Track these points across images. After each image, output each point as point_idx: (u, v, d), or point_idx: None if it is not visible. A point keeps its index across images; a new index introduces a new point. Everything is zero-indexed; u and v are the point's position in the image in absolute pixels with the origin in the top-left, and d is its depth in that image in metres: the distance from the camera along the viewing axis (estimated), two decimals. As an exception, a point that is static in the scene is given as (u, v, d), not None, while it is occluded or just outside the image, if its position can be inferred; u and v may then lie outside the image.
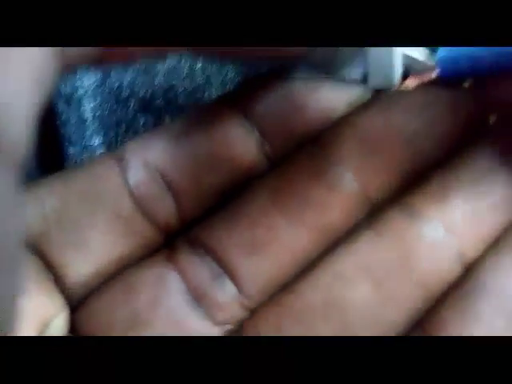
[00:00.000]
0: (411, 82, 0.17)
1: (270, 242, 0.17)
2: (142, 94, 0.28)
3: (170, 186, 0.18)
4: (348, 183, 0.17)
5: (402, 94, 0.17)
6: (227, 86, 0.28)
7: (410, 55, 0.17)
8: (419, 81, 0.17)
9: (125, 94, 0.28)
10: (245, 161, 0.18)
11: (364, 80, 0.17)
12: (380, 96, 0.17)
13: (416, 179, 0.17)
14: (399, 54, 0.17)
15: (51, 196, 0.17)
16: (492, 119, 0.17)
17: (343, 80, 0.18)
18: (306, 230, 0.17)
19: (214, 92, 0.28)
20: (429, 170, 0.17)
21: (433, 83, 0.17)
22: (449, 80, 0.16)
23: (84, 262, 0.17)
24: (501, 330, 0.14)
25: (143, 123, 0.28)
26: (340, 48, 0.17)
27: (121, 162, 0.18)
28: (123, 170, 0.18)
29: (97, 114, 0.28)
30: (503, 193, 0.16)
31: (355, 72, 0.18)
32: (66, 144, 0.28)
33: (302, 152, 0.18)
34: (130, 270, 0.17)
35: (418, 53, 0.17)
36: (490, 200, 0.16)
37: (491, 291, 0.15)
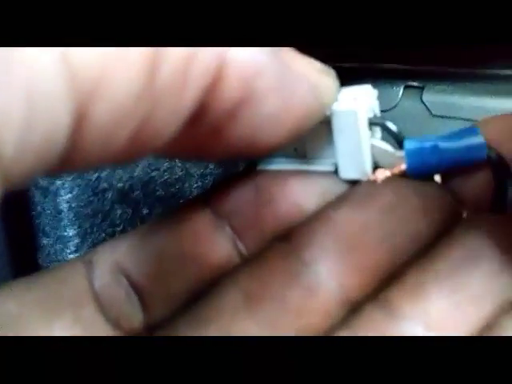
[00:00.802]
0: (380, 174, 0.17)
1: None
2: (120, 185, 0.27)
3: (136, 289, 0.17)
4: (325, 285, 0.16)
5: (376, 190, 0.17)
6: (207, 178, 0.29)
7: (378, 146, 0.17)
8: (389, 173, 0.17)
9: (102, 185, 0.27)
10: (215, 259, 0.17)
11: (335, 171, 0.17)
12: (353, 192, 0.17)
13: (393, 274, 0.16)
14: (368, 146, 0.17)
15: (9, 301, 0.17)
16: (464, 211, 0.17)
17: (315, 172, 0.18)
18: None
19: (193, 183, 0.29)
20: (405, 264, 0.16)
21: (402, 176, 0.17)
22: (417, 172, 0.16)
23: None
24: None
25: (120, 214, 0.28)
26: (309, 139, 0.17)
27: (87, 264, 0.17)
28: (89, 273, 0.17)
29: (73, 205, 0.27)
30: (483, 283, 0.15)
31: (326, 163, 0.17)
32: (40, 235, 0.27)
33: (273, 250, 0.17)
34: None
35: (387, 144, 0.17)
36: (469, 292, 0.15)
37: None
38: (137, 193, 0.28)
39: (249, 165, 0.19)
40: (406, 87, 0.29)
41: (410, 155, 0.16)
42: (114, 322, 0.17)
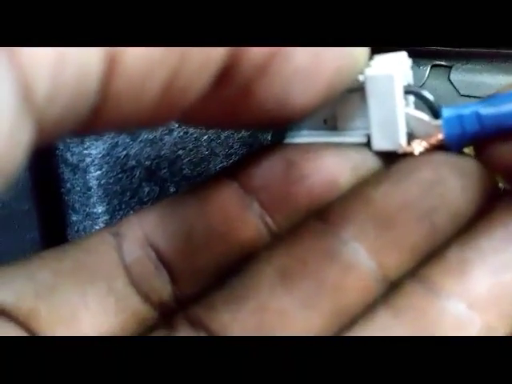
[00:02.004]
0: (417, 145, 0.16)
1: (281, 328, 0.15)
2: (147, 163, 0.28)
3: (165, 263, 0.17)
4: (364, 263, 0.16)
5: (415, 167, 0.16)
6: (232, 158, 0.29)
7: (414, 116, 0.16)
8: (425, 144, 0.16)
9: (131, 163, 0.27)
10: (244, 235, 0.17)
11: (367, 143, 0.17)
12: (392, 169, 0.17)
13: (433, 252, 0.16)
14: (402, 114, 0.16)
15: (43, 271, 0.17)
16: (502, 184, 0.16)
17: (346, 144, 0.17)
18: (319, 314, 0.15)
19: (218, 163, 0.29)
20: (447, 243, 0.16)
21: (439, 146, 0.16)
22: (456, 142, 0.16)
23: None
24: None
25: (148, 192, 0.28)
26: (340, 110, 0.17)
27: (117, 237, 0.17)
28: (119, 246, 0.17)
29: (102, 182, 0.27)
30: None
31: (358, 135, 0.17)
32: (69, 211, 0.27)
33: (309, 227, 0.16)
34: None
35: (422, 113, 0.16)
36: None
37: None
38: (164, 171, 0.28)
39: (276, 139, 0.18)
40: (433, 66, 0.28)
41: (448, 124, 0.16)
42: (144, 294, 0.17)
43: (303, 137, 0.17)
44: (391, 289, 0.16)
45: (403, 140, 0.16)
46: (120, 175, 0.27)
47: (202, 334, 0.16)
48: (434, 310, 0.15)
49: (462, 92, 0.28)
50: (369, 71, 0.16)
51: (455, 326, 0.15)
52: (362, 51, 0.15)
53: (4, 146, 0.09)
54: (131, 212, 0.28)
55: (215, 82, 0.12)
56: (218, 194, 0.17)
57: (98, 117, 0.11)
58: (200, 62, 0.12)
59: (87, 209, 0.27)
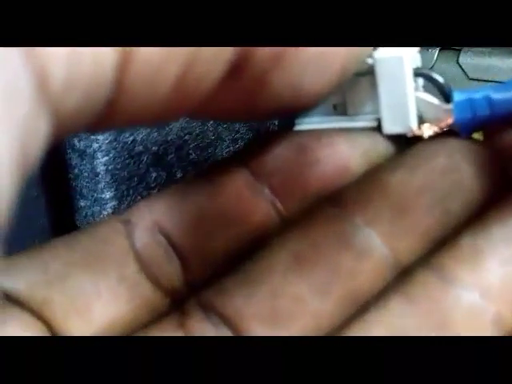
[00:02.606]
0: (426, 129, 0.16)
1: (295, 314, 0.15)
2: (154, 149, 0.28)
3: (176, 249, 0.17)
4: (378, 248, 0.16)
5: (430, 153, 0.16)
6: (238, 143, 0.29)
7: (424, 99, 0.16)
8: (435, 127, 0.16)
9: (138, 148, 0.27)
10: (255, 221, 0.17)
11: (378, 127, 0.17)
12: (406, 154, 0.17)
13: (446, 239, 0.16)
14: (413, 97, 0.16)
15: (55, 260, 0.17)
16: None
17: (356, 128, 0.17)
18: (332, 298, 0.16)
19: (225, 148, 0.29)
20: (459, 230, 0.16)
21: (449, 131, 0.16)
22: (466, 126, 0.16)
23: (87, 329, 0.16)
24: None
25: (155, 178, 0.28)
26: (349, 94, 0.17)
27: (127, 224, 0.17)
28: (129, 233, 0.17)
29: (109, 168, 0.27)
30: None
31: (368, 119, 0.17)
32: (77, 197, 0.27)
33: (322, 212, 0.16)
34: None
35: (432, 97, 0.16)
36: None
37: None
38: (171, 156, 0.28)
39: (283, 123, 0.18)
40: (442, 49, 0.28)
41: (459, 108, 0.15)
42: (155, 281, 0.17)
43: (313, 123, 0.17)
44: (404, 275, 0.16)
45: (414, 123, 0.16)
46: (127, 161, 0.27)
47: (214, 319, 0.16)
48: (448, 299, 0.15)
49: (470, 75, 0.28)
50: (378, 53, 0.16)
51: (468, 315, 0.15)
52: None
53: (22, 138, 0.09)
54: (139, 197, 0.28)
55: (229, 74, 0.12)
56: (229, 180, 0.17)
57: (113, 110, 0.11)
58: (213, 54, 0.12)
59: (95, 194, 0.27)
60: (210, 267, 0.17)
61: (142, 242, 0.17)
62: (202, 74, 0.12)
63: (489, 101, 0.15)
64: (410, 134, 0.16)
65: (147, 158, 0.28)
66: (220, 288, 0.16)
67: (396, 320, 0.15)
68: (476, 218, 0.16)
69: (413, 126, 0.16)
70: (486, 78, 0.27)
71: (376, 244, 0.16)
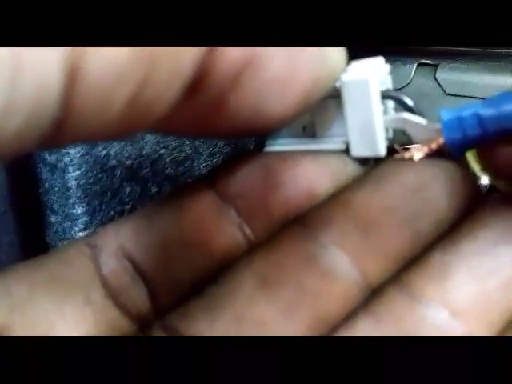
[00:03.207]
0: (416, 151, 0.16)
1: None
2: (128, 163, 0.27)
3: (142, 274, 0.17)
4: (345, 268, 0.15)
5: (397, 172, 0.16)
6: (216, 157, 0.29)
7: (411, 120, 0.16)
8: (426, 149, 0.16)
9: (111, 162, 0.27)
10: (220, 244, 0.17)
11: (346, 150, 0.17)
12: (372, 173, 0.16)
13: (415, 257, 0.15)
14: (380, 119, 0.16)
15: (19, 284, 0.16)
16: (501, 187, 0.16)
17: (325, 151, 0.17)
18: (299, 322, 0.15)
19: (202, 163, 0.28)
20: (428, 247, 0.15)
21: (439, 151, 0.16)
22: (457, 146, 0.15)
23: None
24: None
25: (129, 192, 0.27)
26: (318, 117, 0.17)
27: (93, 248, 0.17)
28: (95, 258, 0.17)
29: (81, 183, 0.26)
30: None
31: (337, 142, 0.17)
32: (48, 212, 0.26)
33: (289, 233, 0.16)
34: None
35: (420, 118, 0.16)
36: (498, 277, 0.14)
37: None
38: (146, 171, 0.27)
39: (256, 147, 0.18)
40: (420, 65, 0.28)
41: (448, 127, 0.15)
42: (121, 306, 0.17)
43: (283, 145, 0.17)
44: (373, 294, 0.15)
45: (382, 146, 0.16)
46: (100, 175, 0.27)
47: None
48: (413, 317, 0.14)
49: (447, 91, 0.28)
50: (345, 77, 0.16)
51: (435, 333, 0.14)
52: (339, 59, 0.14)
53: None
54: (112, 213, 0.27)
55: (187, 93, 0.12)
56: (194, 203, 0.17)
57: (61, 130, 0.11)
58: (169, 73, 0.11)
59: (66, 209, 0.26)
60: (176, 292, 0.17)
61: (108, 266, 0.17)
62: (157, 95, 0.11)
63: (478, 118, 0.15)
64: (397, 157, 0.16)
65: (121, 172, 0.27)
66: (184, 312, 0.16)
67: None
68: (446, 234, 0.15)
69: (381, 150, 0.16)
70: (463, 94, 0.27)
71: (342, 264, 0.15)
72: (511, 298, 0.14)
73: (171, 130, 0.14)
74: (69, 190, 0.26)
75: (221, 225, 0.17)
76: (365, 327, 0.15)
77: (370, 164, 0.17)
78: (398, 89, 0.28)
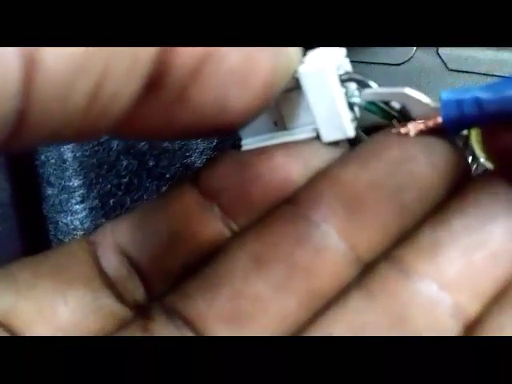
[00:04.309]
0: (413, 127, 0.16)
1: (256, 314, 0.16)
2: (126, 135, 0.27)
3: (136, 268, 0.18)
4: (335, 244, 0.16)
5: (382, 147, 0.16)
6: (211, 132, 0.28)
7: (412, 96, 0.16)
8: (422, 126, 0.16)
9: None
10: (207, 237, 0.17)
11: (318, 137, 0.17)
12: (359, 149, 0.17)
13: (405, 233, 0.16)
14: (343, 102, 0.17)
15: (23, 271, 0.17)
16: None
17: (298, 141, 0.17)
18: (293, 297, 0.16)
19: (199, 138, 0.28)
20: (418, 222, 0.16)
21: (435, 130, 0.16)
22: (454, 126, 0.15)
23: (53, 334, 0.17)
24: None
25: (126, 166, 0.27)
26: (285, 110, 0.17)
27: (92, 245, 0.18)
28: (94, 253, 0.18)
29: (77, 155, 0.26)
30: (501, 242, 0.15)
31: (307, 130, 0.17)
32: (44, 185, 0.26)
33: (279, 213, 0.17)
34: None
35: (422, 94, 0.16)
36: (487, 250, 0.15)
37: None
38: (143, 144, 0.27)
39: (233, 147, 0.19)
40: (422, 39, 0.28)
41: (447, 107, 0.15)
42: (119, 296, 0.18)
43: (258, 142, 0.18)
44: (365, 270, 0.16)
45: (349, 127, 0.17)
46: (96, 147, 0.26)
47: (178, 323, 0.16)
48: (405, 292, 0.15)
49: (450, 66, 0.27)
50: (301, 68, 0.16)
51: (426, 308, 0.15)
52: (295, 50, 0.15)
53: None
54: (109, 186, 0.27)
55: (146, 88, 0.12)
56: (179, 201, 0.18)
57: (23, 126, 0.11)
58: (127, 68, 0.11)
59: (63, 182, 0.26)
60: (168, 281, 0.18)
61: (105, 261, 0.18)
62: (116, 90, 0.12)
63: (477, 100, 0.15)
64: (394, 131, 0.16)
65: (117, 145, 0.27)
66: (182, 293, 0.17)
67: (356, 317, 0.15)
68: (436, 210, 0.16)
69: (349, 130, 0.17)
70: (465, 69, 0.27)
71: (333, 240, 0.16)
72: (499, 269, 0.15)
73: (135, 130, 0.14)
74: (65, 163, 0.26)
75: (206, 220, 0.18)
76: (358, 302, 0.15)
77: (343, 145, 0.17)
78: (399, 64, 0.28)
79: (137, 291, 0.18)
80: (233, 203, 0.17)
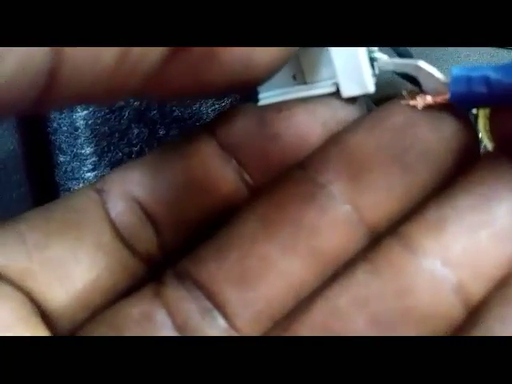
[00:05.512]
0: (421, 100, 0.16)
1: (264, 273, 0.16)
2: (136, 104, 0.27)
3: (149, 216, 0.18)
4: (339, 205, 0.16)
5: (388, 114, 0.17)
6: (225, 101, 0.28)
7: (424, 68, 0.16)
8: (430, 99, 0.16)
9: (119, 103, 0.26)
10: (223, 189, 0.18)
11: (337, 91, 0.17)
12: (366, 116, 0.17)
13: (412, 205, 0.16)
14: (365, 57, 0.17)
15: (33, 231, 0.17)
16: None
17: (316, 96, 0.17)
18: (299, 257, 0.16)
19: (210, 106, 0.28)
20: (425, 196, 0.16)
21: (444, 106, 0.16)
22: (462, 102, 0.16)
23: (69, 296, 0.17)
24: None
25: (137, 134, 0.27)
26: (306, 63, 0.17)
27: (101, 193, 0.18)
28: (103, 202, 0.18)
29: (89, 123, 0.26)
30: (507, 222, 0.15)
31: (327, 85, 0.17)
32: (56, 152, 0.26)
33: (288, 176, 0.17)
34: (117, 307, 0.17)
35: (433, 68, 0.16)
36: (491, 229, 0.15)
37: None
38: (153, 112, 0.27)
39: (251, 99, 0.19)
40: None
41: (456, 83, 0.15)
42: (131, 247, 0.17)
43: (276, 96, 0.18)
44: (371, 245, 0.16)
45: (370, 82, 0.17)
46: (108, 116, 0.27)
47: (189, 286, 0.17)
48: (410, 268, 0.15)
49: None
50: None
51: (429, 283, 0.15)
52: None
53: None
54: (120, 154, 0.27)
55: (175, 48, 0.12)
56: (198, 151, 0.18)
57: (54, 83, 0.11)
58: None
59: (75, 149, 0.27)
60: (182, 234, 0.18)
61: (116, 210, 0.18)
62: (145, 48, 0.12)
63: (487, 79, 0.15)
64: (403, 103, 0.16)
65: (129, 113, 0.27)
66: (194, 256, 0.17)
67: (360, 289, 0.15)
68: (443, 187, 0.16)
69: (369, 86, 0.17)
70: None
71: (338, 201, 0.16)
72: (503, 249, 0.15)
73: (163, 89, 0.14)
74: (77, 130, 0.26)
75: (223, 171, 0.18)
76: (363, 275, 0.15)
77: (359, 103, 0.17)
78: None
79: (150, 242, 0.18)
80: (250, 159, 0.18)
